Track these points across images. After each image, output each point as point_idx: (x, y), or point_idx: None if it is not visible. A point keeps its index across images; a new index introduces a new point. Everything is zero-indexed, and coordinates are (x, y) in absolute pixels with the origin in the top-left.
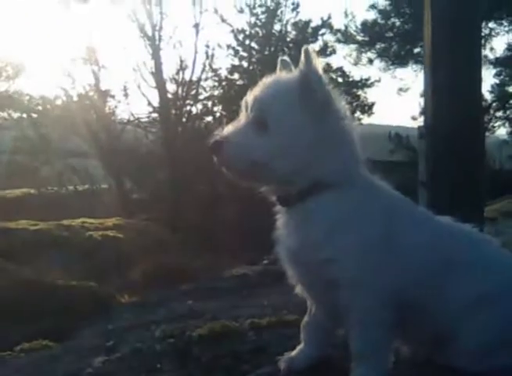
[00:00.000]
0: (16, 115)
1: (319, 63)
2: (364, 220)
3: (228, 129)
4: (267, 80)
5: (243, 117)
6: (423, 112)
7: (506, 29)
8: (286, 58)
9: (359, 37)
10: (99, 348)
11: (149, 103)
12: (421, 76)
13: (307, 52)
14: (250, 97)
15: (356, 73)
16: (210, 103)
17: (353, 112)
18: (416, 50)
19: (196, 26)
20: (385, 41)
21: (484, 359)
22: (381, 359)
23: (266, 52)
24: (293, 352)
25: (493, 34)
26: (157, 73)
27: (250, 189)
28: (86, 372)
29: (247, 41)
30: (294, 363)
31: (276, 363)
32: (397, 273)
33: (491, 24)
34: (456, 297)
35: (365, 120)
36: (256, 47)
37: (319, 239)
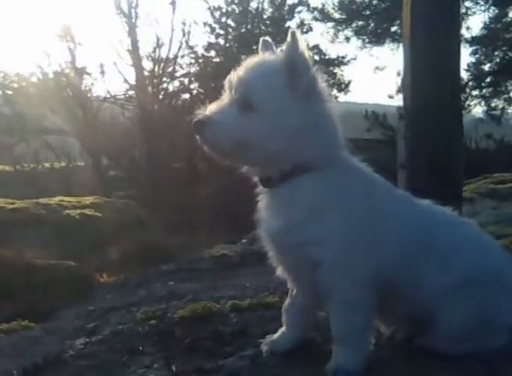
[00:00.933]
0: None
1: (305, 46)
2: (346, 202)
3: (212, 108)
4: (251, 61)
5: (226, 97)
6: (402, 93)
7: (483, 8)
8: (267, 38)
9: (336, 15)
10: (80, 329)
11: (126, 81)
12: (398, 55)
13: (293, 35)
14: (234, 77)
15: (333, 51)
16: (186, 81)
17: (329, 90)
18: (393, 28)
19: (173, 3)
20: (362, 19)
21: (462, 342)
22: (362, 340)
23: (243, 30)
24: (275, 335)
25: (469, 12)
26: (134, 50)
27: (230, 167)
28: (68, 354)
29: (224, 19)
30: (276, 346)
31: (259, 346)
32: (378, 255)
33: (467, 3)
34: (435, 280)
35: (342, 98)
36: (232, 24)
37: (301, 220)
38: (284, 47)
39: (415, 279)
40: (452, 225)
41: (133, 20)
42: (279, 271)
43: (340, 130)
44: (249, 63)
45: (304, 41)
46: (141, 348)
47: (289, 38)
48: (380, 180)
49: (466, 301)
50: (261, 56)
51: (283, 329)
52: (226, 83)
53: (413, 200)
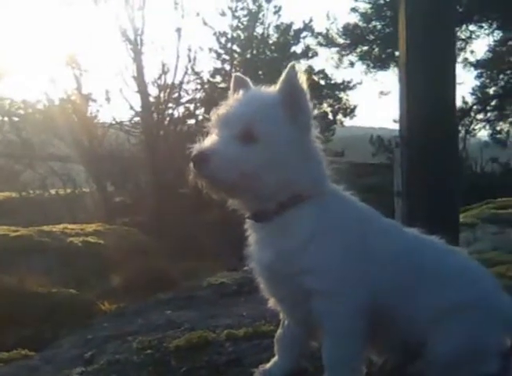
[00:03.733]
0: None
1: (305, 80)
2: (339, 231)
3: (208, 143)
4: (243, 96)
5: (220, 132)
6: (399, 121)
7: (487, 31)
8: (239, 74)
9: (341, 40)
10: (78, 358)
11: (131, 107)
12: None
13: (293, 69)
14: (228, 112)
15: (338, 75)
16: (192, 106)
17: (335, 114)
18: (397, 53)
19: (179, 30)
20: (366, 44)
21: (453, 369)
22: (354, 369)
23: (248, 55)
24: (268, 365)
25: (473, 36)
26: (139, 77)
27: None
28: None
29: (229, 44)
30: None
31: (252, 375)
32: (371, 283)
33: (471, 27)
34: (424, 307)
35: (348, 122)
36: (238, 50)
37: (297, 250)
38: (282, 79)
39: (405, 306)
40: (440, 253)
41: (138, 47)
42: (272, 302)
43: (325, 162)
44: (244, 97)
45: (303, 75)
46: None
47: (288, 72)
48: (368, 208)
49: (454, 328)
50: (254, 91)
51: (275, 358)
52: (216, 118)
53: (401, 227)
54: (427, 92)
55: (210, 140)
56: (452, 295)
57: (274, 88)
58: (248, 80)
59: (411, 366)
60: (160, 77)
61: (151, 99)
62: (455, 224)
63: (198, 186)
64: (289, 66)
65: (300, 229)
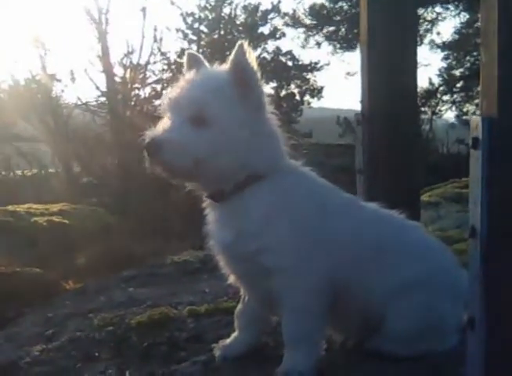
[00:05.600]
0: None
1: (254, 58)
2: (295, 208)
3: (160, 129)
4: (194, 77)
5: (173, 116)
6: (361, 99)
7: (453, 13)
8: (193, 51)
9: (307, 21)
10: (39, 336)
11: (97, 87)
12: None
13: (241, 47)
14: (179, 95)
15: (306, 57)
16: (159, 87)
17: (303, 95)
18: None
19: (143, 9)
20: (333, 24)
21: (411, 344)
22: (313, 345)
23: (215, 36)
24: (228, 340)
25: (440, 18)
26: (104, 57)
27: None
28: (24, 361)
29: (196, 25)
30: (229, 351)
31: (212, 351)
32: (328, 259)
33: (437, 9)
34: (382, 282)
35: (315, 103)
36: (205, 30)
37: (255, 228)
38: (232, 59)
39: (364, 282)
40: (399, 228)
41: (103, 26)
42: (232, 279)
43: (282, 138)
44: (194, 79)
45: (252, 53)
46: (97, 354)
47: (236, 50)
48: (326, 184)
49: (413, 303)
50: (203, 72)
51: (235, 334)
52: (168, 102)
53: (360, 202)
54: (388, 70)
55: (162, 126)
56: (410, 270)
57: (224, 68)
58: (201, 57)
59: (369, 342)
60: (125, 57)
61: (117, 80)
62: (415, 200)
63: (155, 173)
64: (237, 44)
65: (256, 208)
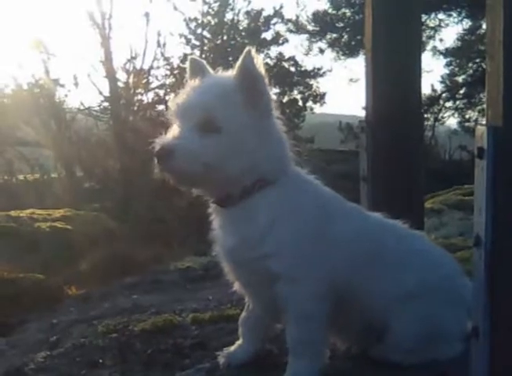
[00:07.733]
0: None
1: (262, 64)
2: (299, 215)
3: (170, 136)
4: (201, 83)
5: (178, 124)
6: (365, 106)
7: (456, 20)
8: (195, 56)
9: (310, 27)
10: (43, 343)
11: (100, 93)
12: None
13: (249, 53)
14: (186, 102)
15: (309, 62)
16: (162, 92)
17: (305, 101)
18: None
19: (147, 15)
20: (336, 31)
21: (415, 352)
22: (317, 353)
23: (218, 41)
24: (232, 348)
25: (442, 25)
26: (107, 62)
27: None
28: (28, 368)
29: (199, 30)
30: (233, 359)
31: (216, 358)
32: (330, 265)
33: (440, 15)
34: (384, 290)
35: (318, 109)
36: (208, 36)
37: (260, 235)
38: (239, 64)
39: (367, 290)
40: (401, 238)
41: (106, 31)
42: (237, 286)
43: (288, 145)
44: (201, 85)
45: (259, 59)
46: (101, 361)
47: (244, 56)
48: (329, 192)
49: (416, 311)
50: (211, 77)
51: (239, 341)
52: (175, 108)
53: (362, 211)
54: (392, 78)
55: (171, 133)
56: (413, 279)
57: (231, 74)
58: (204, 62)
59: (373, 350)
60: (128, 62)
61: (120, 85)
62: (419, 209)
63: (164, 179)
64: (245, 50)
65: (262, 215)
